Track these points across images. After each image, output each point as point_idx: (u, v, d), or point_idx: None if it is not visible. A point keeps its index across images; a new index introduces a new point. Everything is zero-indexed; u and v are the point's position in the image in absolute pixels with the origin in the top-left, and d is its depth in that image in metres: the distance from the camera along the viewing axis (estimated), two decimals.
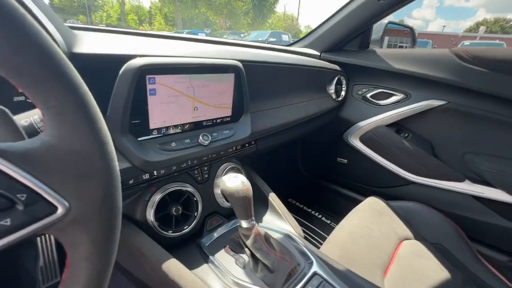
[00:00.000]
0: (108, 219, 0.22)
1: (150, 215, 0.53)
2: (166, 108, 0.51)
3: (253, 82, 0.69)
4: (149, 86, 0.47)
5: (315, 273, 0.49)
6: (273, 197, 0.69)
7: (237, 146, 0.68)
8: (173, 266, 0.46)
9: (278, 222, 0.66)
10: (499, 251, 0.93)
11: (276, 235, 0.60)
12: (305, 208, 1.42)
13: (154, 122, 0.50)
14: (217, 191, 0.65)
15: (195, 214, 0.58)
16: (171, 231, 0.55)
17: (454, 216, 0.88)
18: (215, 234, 0.61)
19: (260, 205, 0.70)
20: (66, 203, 0.20)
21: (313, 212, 1.40)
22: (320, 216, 1.37)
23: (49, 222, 0.20)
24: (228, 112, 0.63)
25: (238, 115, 0.65)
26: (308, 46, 1.15)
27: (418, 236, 0.80)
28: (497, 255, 0.92)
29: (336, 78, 1.08)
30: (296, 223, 0.65)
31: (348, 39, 1.11)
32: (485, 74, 0.84)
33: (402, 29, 1.60)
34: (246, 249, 0.53)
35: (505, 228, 0.90)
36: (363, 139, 1.14)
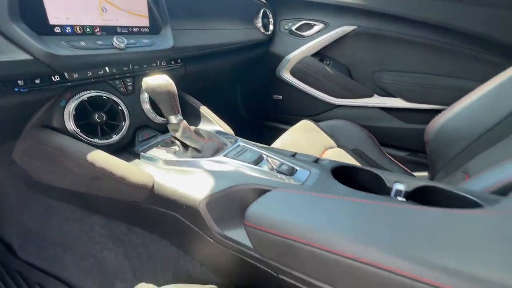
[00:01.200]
0: None
1: (70, 123, 0.50)
2: (66, 2, 0.47)
3: None
4: None
5: (238, 145, 0.55)
6: (204, 109, 0.72)
7: (161, 62, 0.67)
8: (98, 155, 0.46)
9: (211, 127, 0.69)
10: (401, 149, 1.15)
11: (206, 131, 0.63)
12: None
13: (54, 16, 0.46)
14: (147, 106, 0.64)
15: (123, 124, 0.57)
16: (97, 139, 0.53)
17: (368, 126, 1.05)
18: (148, 144, 0.61)
19: (192, 120, 0.72)
20: None
21: None
22: None
23: None
24: (146, 22, 0.61)
25: (157, 28, 0.64)
26: None
27: (340, 145, 0.95)
28: (399, 153, 1.15)
29: (262, 11, 1.10)
30: (228, 126, 0.69)
31: None
32: None
33: None
34: (176, 141, 0.55)
35: (403, 129, 1.11)
36: (293, 72, 1.22)
